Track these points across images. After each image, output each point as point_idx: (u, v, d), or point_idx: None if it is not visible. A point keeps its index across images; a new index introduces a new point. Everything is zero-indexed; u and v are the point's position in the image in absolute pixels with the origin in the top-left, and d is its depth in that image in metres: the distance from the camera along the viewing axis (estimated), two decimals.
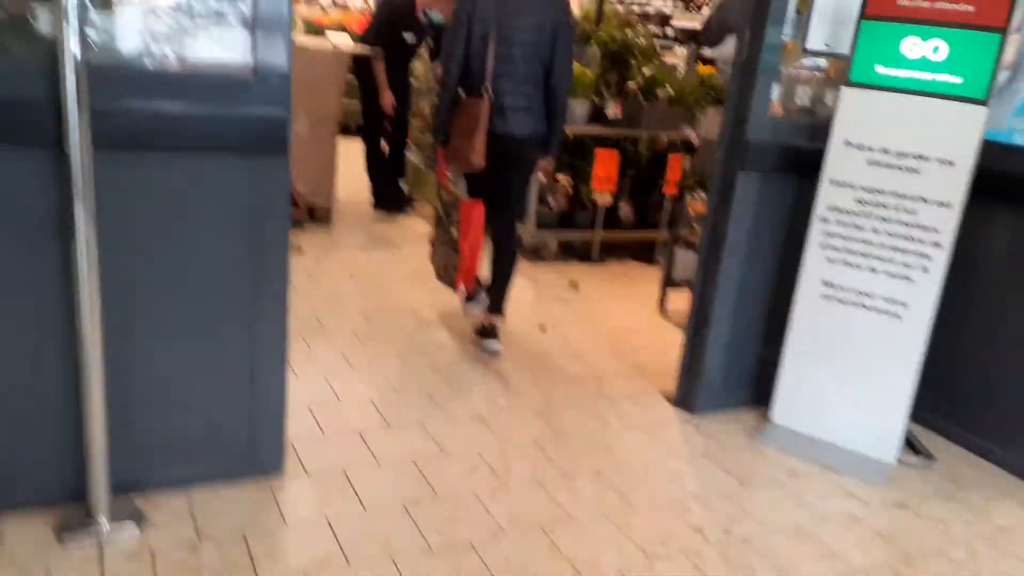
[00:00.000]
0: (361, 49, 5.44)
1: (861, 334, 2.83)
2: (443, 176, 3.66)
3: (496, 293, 3.53)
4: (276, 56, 2.05)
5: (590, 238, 5.03)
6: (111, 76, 1.90)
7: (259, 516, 2.18)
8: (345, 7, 9.61)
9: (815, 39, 2.96)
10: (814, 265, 2.90)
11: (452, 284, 3.60)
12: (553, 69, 3.32)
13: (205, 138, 2.02)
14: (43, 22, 1.77)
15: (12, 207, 1.87)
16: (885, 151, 2.74)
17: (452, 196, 3.60)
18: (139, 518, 2.08)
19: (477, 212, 3.46)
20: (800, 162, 2.94)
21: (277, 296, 2.23)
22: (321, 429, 2.67)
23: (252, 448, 2.32)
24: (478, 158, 3.27)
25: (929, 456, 2.94)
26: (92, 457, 1.98)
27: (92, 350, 1.90)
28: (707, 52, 5.81)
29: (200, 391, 2.21)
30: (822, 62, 3.19)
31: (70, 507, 2.04)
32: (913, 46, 2.70)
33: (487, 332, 3.50)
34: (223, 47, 2.05)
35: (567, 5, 3.45)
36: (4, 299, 1.92)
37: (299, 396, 2.84)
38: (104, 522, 2.02)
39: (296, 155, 4.75)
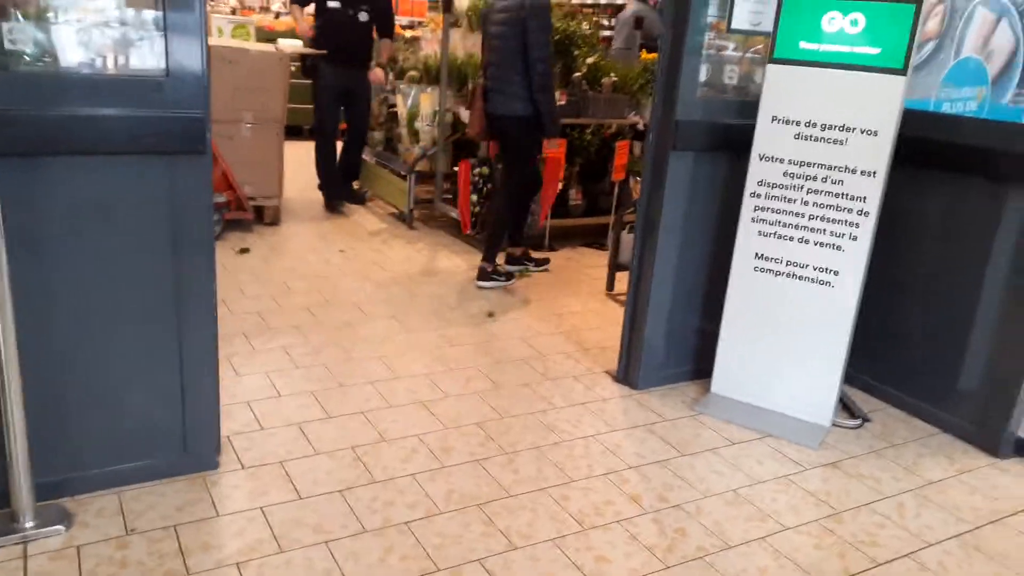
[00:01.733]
0: (310, 50, 5.43)
1: (794, 303, 2.88)
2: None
3: (487, 240, 4.32)
4: (190, 58, 2.04)
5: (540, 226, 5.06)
6: (17, 82, 1.89)
7: (191, 509, 2.17)
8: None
9: (740, 18, 3.01)
10: (747, 239, 2.95)
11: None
12: (527, 50, 3.84)
13: (118, 140, 2.00)
14: None
15: None
16: (811, 124, 2.80)
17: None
18: (67, 519, 2.06)
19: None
20: (732, 140, 2.99)
21: (204, 293, 2.21)
22: (260, 424, 2.66)
23: (185, 445, 2.31)
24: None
25: (864, 418, 3.00)
26: (13, 462, 1.96)
27: (8, 355, 1.87)
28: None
29: (129, 391, 2.19)
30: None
31: None
32: (831, 19, 2.76)
33: (514, 260, 4.49)
34: (136, 52, 2.04)
35: None
36: None
37: (239, 393, 2.84)
38: (28, 525, 1.99)
39: (241, 157, 4.82)
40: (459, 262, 4.73)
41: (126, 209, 2.07)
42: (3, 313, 1.85)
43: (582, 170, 5.22)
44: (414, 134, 5.55)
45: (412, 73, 5.82)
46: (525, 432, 2.74)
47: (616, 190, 4.85)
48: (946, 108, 3.12)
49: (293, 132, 5.96)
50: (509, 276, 4.30)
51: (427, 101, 5.40)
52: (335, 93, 5.45)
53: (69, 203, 2.00)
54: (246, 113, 4.95)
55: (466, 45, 5.46)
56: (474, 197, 4.88)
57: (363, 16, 5.35)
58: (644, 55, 5.73)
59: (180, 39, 2.02)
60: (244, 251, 4.52)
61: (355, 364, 3.18)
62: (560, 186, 4.97)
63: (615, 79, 5.09)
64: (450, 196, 5.43)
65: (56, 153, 1.95)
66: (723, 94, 3.13)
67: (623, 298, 4.19)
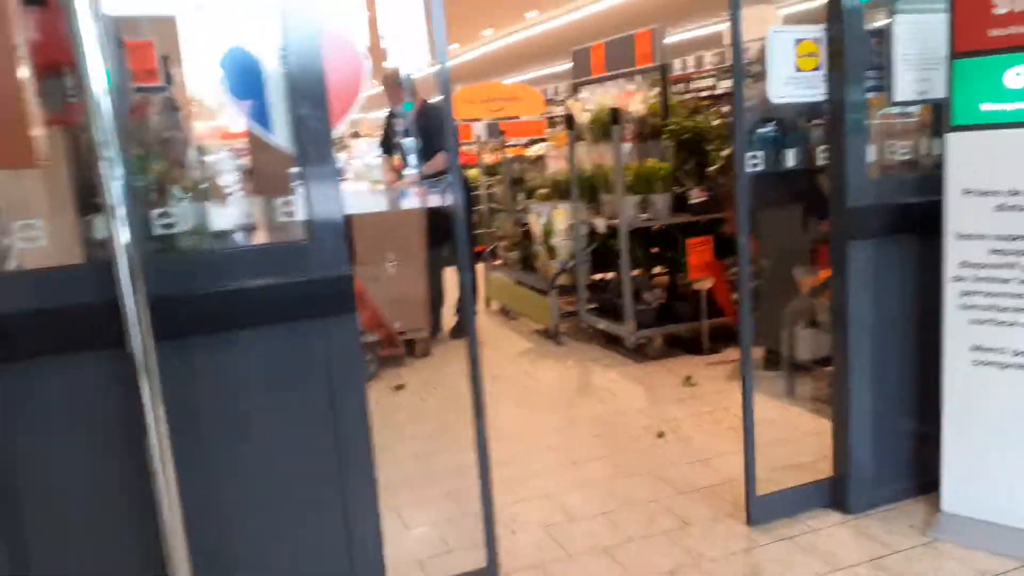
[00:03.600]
0: None
1: None
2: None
3: None
4: (330, 214, 2.02)
5: (697, 328, 4.76)
6: (176, 265, 1.91)
7: None
8: None
9: (902, 88, 2.73)
10: (957, 330, 2.55)
11: None
12: None
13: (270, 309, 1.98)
14: (97, 227, 1.79)
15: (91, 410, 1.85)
16: (1014, 192, 2.44)
17: None
18: None
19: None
20: (913, 219, 2.67)
21: (361, 450, 2.11)
22: None
23: None
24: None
25: None
26: None
27: (175, 540, 1.81)
28: None
29: (295, 565, 2.08)
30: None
31: None
32: (1017, 75, 2.44)
33: None
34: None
35: None
36: (91, 505, 1.89)
37: (408, 549, 2.68)
38: None
39: (387, 294, 4.89)
40: (613, 376, 4.50)
41: (286, 376, 2.02)
42: (170, 499, 1.80)
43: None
44: (551, 250, 5.49)
45: (542, 191, 5.83)
46: None
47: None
48: None
49: None
50: None
51: (561, 216, 5.35)
52: None
53: (232, 378, 1.97)
54: (389, 251, 5.05)
55: (591, 157, 5.42)
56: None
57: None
58: None
59: (320, 197, 2.00)
60: (399, 387, 4.50)
61: (524, 506, 2.96)
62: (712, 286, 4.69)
63: None
64: (595, 307, 5.27)
65: (217, 330, 1.94)
66: (893, 171, 2.82)
67: (806, 403, 3.81)
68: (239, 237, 2.28)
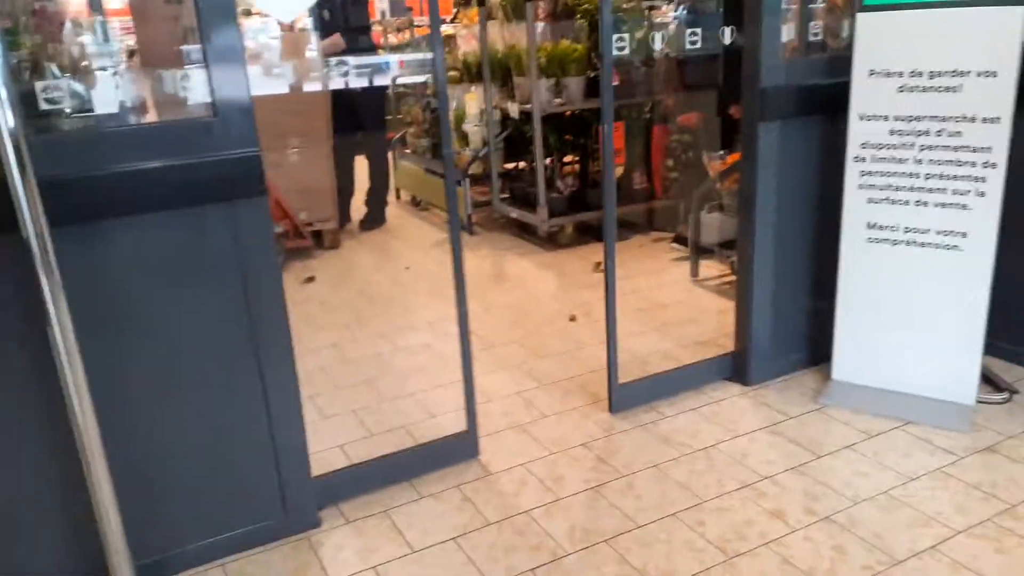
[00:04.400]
0: None
1: (918, 273, 2.60)
2: None
3: None
4: (237, 91, 1.87)
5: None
6: (68, 145, 1.74)
7: None
8: None
9: None
10: (855, 208, 2.67)
11: None
12: None
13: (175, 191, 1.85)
14: None
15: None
16: (916, 73, 2.50)
17: None
18: None
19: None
20: (822, 101, 2.72)
21: (280, 340, 2.06)
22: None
23: (284, 504, 2.16)
24: None
25: (1011, 390, 2.70)
26: (111, 548, 1.81)
27: (90, 438, 1.73)
28: None
29: (217, 453, 2.05)
30: None
31: None
32: None
33: None
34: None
35: None
36: None
37: (329, 437, 2.69)
38: None
39: (292, 183, 4.68)
40: (526, 264, 4.53)
41: (196, 263, 1.92)
42: (80, 395, 1.70)
43: (643, 151, 4.96)
44: (463, 137, 5.36)
45: (452, 73, 5.62)
46: (638, 449, 2.52)
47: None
48: None
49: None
50: None
51: (472, 100, 5.20)
52: None
53: (137, 265, 1.86)
54: (292, 137, 4.82)
55: (504, 37, 5.23)
56: (670, 162, 4.71)
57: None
58: None
59: (225, 73, 1.85)
60: (310, 280, 4.40)
61: (443, 392, 3.00)
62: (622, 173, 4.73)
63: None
64: (507, 196, 5.23)
65: (116, 214, 1.80)
66: (805, 53, 2.84)
67: (710, 284, 3.96)
68: (133, 117, 2.10)
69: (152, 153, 1.81)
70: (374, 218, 5.43)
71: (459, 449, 2.53)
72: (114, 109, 1.93)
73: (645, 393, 2.82)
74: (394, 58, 6.65)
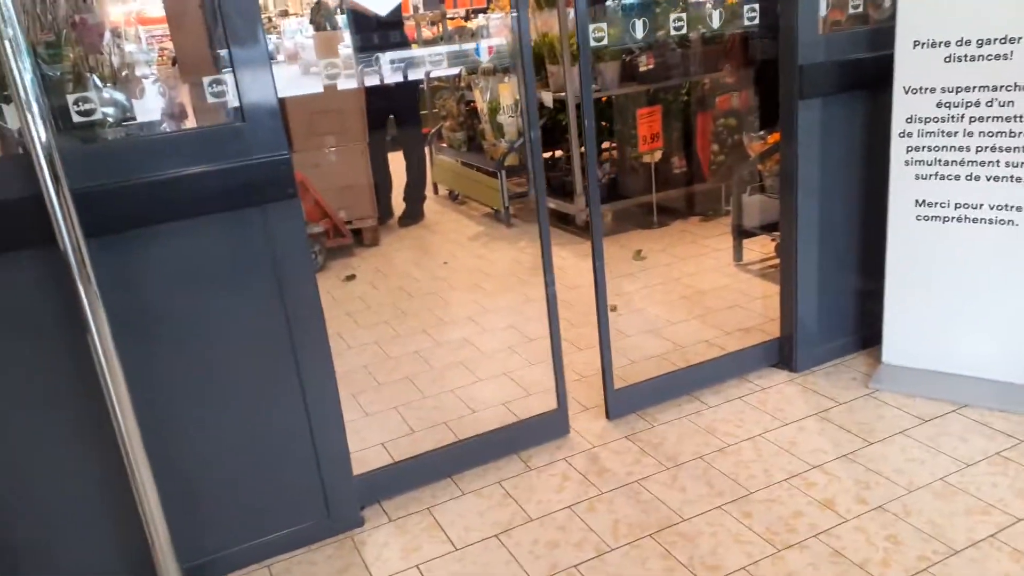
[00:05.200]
0: None
1: (971, 250, 2.49)
2: None
3: None
4: (264, 95, 1.88)
5: (646, 202, 4.74)
6: (100, 156, 1.77)
7: None
8: None
9: None
10: (902, 185, 2.57)
11: None
12: None
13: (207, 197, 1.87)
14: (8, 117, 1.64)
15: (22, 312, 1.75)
16: (963, 42, 2.39)
17: None
18: None
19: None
20: (865, 76, 2.62)
21: (317, 340, 2.06)
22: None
23: (327, 504, 2.17)
24: None
25: None
26: (158, 551, 1.85)
27: (133, 444, 1.76)
28: None
29: (259, 458, 2.07)
30: None
31: None
32: None
33: None
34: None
35: None
36: (37, 409, 1.82)
37: (371, 435, 2.70)
38: None
39: (330, 182, 4.72)
40: (565, 254, 4.49)
41: (230, 267, 1.94)
42: (120, 399, 1.74)
43: (683, 135, 4.87)
44: (498, 128, 5.33)
45: (485, 65, 5.59)
46: (682, 441, 2.47)
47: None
48: None
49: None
50: None
51: (506, 91, 5.17)
52: None
53: (171, 274, 1.88)
54: (329, 136, 4.85)
55: (536, 25, 5.18)
56: (715, 147, 4.72)
57: None
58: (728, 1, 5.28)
59: (251, 75, 1.86)
60: (350, 278, 4.43)
61: (481, 387, 2.99)
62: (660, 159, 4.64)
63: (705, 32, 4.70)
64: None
65: (151, 223, 1.83)
66: (844, 26, 2.74)
67: (753, 268, 3.87)
68: (168, 125, 2.13)
69: (185, 160, 1.83)
70: (412, 214, 5.44)
71: (507, 437, 2.52)
72: (155, 117, 1.96)
73: (688, 383, 2.77)
74: (483, 43, 6.60)
